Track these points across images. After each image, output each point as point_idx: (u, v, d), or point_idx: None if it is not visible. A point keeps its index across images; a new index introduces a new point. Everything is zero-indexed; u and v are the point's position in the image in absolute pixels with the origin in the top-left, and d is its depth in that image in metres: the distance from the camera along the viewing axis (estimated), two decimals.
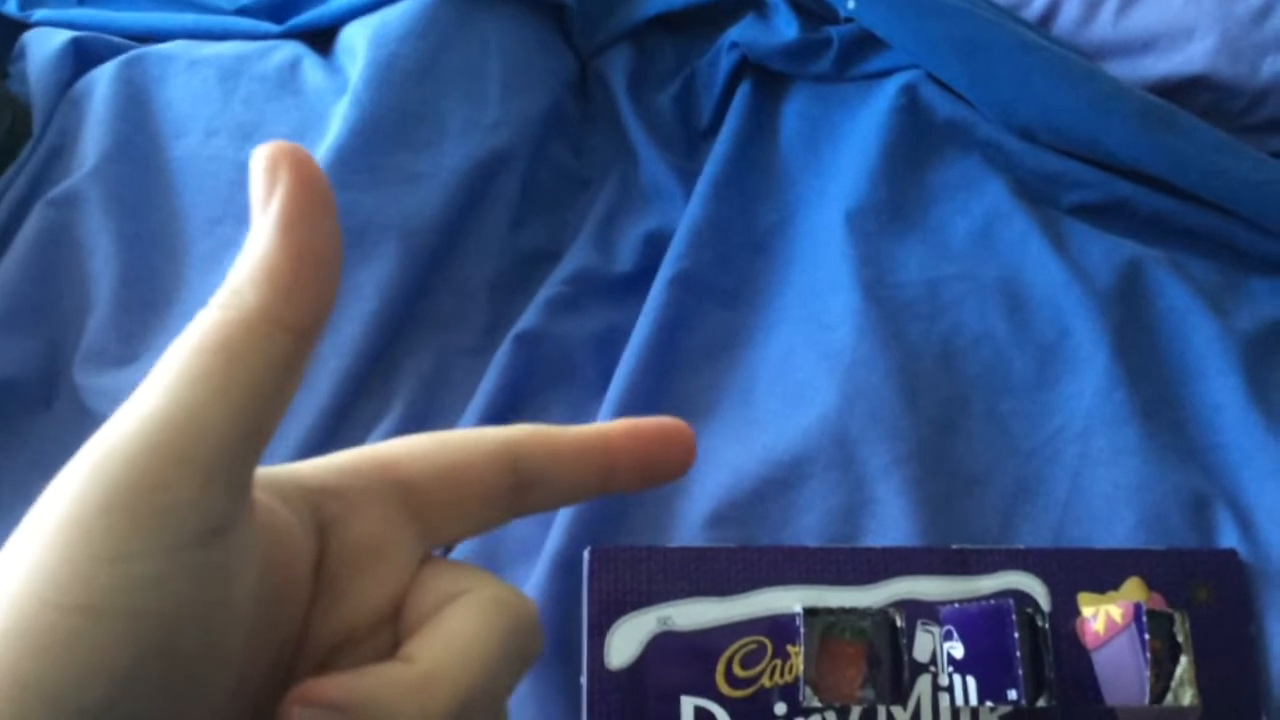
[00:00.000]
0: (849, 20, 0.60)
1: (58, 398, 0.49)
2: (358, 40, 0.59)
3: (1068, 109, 0.55)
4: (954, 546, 0.43)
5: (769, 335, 0.52)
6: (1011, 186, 0.56)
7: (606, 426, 0.22)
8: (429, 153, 0.56)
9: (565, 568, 0.43)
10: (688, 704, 0.40)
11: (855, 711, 0.40)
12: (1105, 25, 0.61)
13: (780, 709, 0.40)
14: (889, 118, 0.58)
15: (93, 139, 0.56)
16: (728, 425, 0.48)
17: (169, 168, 0.56)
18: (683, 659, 0.40)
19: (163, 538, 0.15)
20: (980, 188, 0.56)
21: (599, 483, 0.22)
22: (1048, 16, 0.63)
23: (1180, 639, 0.42)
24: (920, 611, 0.42)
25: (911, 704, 0.40)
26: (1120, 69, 0.60)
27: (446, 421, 0.49)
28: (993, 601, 0.42)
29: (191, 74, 0.59)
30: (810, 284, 0.53)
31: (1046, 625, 0.42)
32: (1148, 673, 0.41)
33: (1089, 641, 0.42)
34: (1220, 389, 0.49)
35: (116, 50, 0.61)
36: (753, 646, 0.40)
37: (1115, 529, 0.45)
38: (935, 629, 0.41)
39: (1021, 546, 0.44)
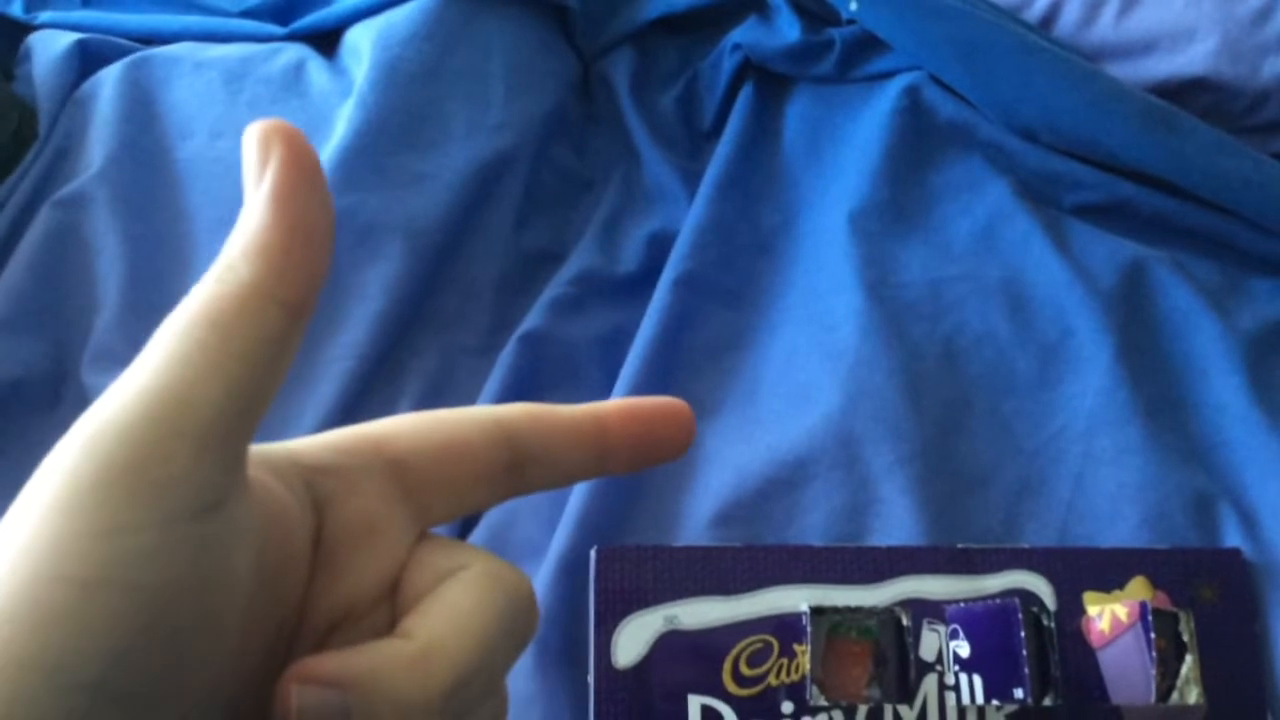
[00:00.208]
0: (851, 22, 0.60)
1: (64, 399, 0.49)
2: (362, 42, 0.59)
3: (1069, 110, 0.55)
4: (959, 546, 0.43)
5: (772, 336, 0.52)
6: (1014, 187, 0.56)
7: (603, 405, 0.22)
8: (433, 154, 0.56)
9: (572, 567, 0.43)
10: (694, 703, 0.40)
11: (861, 710, 0.40)
12: (1106, 27, 0.61)
13: (787, 708, 0.40)
14: (891, 119, 0.58)
15: (99, 141, 0.56)
16: (732, 425, 0.49)
17: (175, 169, 0.56)
18: (689, 658, 0.40)
19: (158, 510, 0.15)
20: (982, 188, 0.56)
21: (596, 462, 0.22)
22: (1049, 18, 0.63)
23: (1185, 638, 0.42)
24: (926, 611, 0.42)
25: (918, 703, 0.41)
26: (1121, 70, 0.60)
27: None
28: (998, 601, 0.42)
29: (197, 76, 0.59)
30: (813, 284, 0.53)
31: (1052, 624, 0.42)
32: (1153, 671, 0.41)
33: (1094, 640, 0.42)
34: (1223, 388, 0.49)
35: (122, 52, 0.61)
36: (759, 645, 0.41)
37: (1119, 528, 0.45)
38: (941, 628, 0.42)
39: (1027, 546, 0.44)
